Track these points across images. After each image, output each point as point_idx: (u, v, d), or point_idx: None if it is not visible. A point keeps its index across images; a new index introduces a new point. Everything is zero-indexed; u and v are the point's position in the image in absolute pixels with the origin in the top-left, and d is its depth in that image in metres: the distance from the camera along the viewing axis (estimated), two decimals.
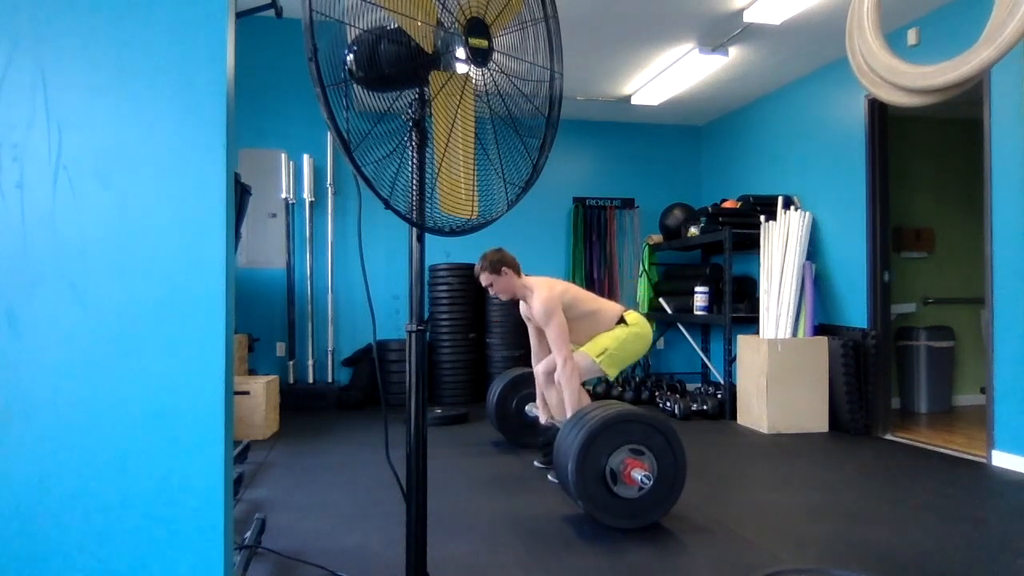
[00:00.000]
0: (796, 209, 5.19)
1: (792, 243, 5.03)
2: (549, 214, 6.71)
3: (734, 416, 5.17)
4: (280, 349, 5.81)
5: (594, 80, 5.82)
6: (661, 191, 6.94)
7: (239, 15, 1.57)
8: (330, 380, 5.86)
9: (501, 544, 2.57)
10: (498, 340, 5.86)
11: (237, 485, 3.06)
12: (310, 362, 5.79)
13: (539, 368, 3.76)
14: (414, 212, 1.62)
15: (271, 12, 2.30)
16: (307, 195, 5.76)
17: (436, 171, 1.63)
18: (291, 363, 5.75)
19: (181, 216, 1.27)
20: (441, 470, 3.55)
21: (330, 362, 5.87)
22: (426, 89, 1.60)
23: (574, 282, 5.75)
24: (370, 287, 1.85)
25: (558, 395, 3.59)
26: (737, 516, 2.92)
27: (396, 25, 1.54)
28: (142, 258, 1.26)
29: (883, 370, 4.73)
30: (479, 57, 1.61)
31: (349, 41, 1.52)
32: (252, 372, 5.44)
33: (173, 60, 1.27)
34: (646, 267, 6.65)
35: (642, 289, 6.69)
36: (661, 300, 6.40)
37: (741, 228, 5.43)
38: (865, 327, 4.79)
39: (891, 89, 2.52)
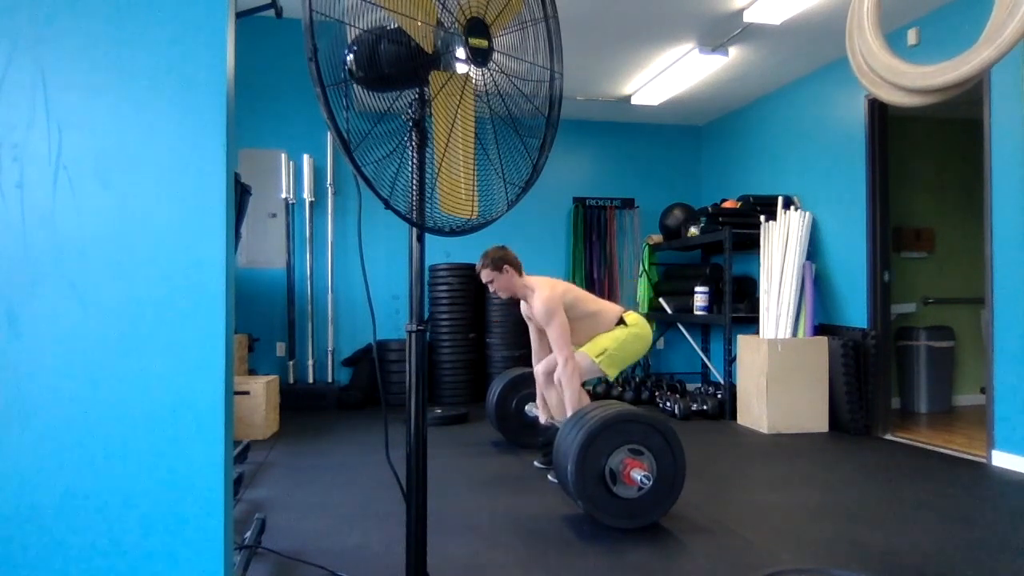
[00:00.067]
0: (796, 209, 5.19)
1: (792, 243, 5.03)
2: (549, 214, 6.71)
3: (734, 416, 5.17)
4: (280, 349, 5.81)
5: (594, 80, 5.82)
6: (661, 191, 6.95)
7: (239, 15, 1.58)
8: (330, 380, 5.86)
9: (501, 544, 2.57)
10: (498, 340, 5.86)
11: (237, 485, 3.06)
12: (310, 362, 5.79)
13: (539, 368, 3.76)
14: (414, 212, 1.62)
15: (271, 12, 2.30)
16: (307, 195, 5.76)
17: (436, 171, 1.63)
18: (291, 363, 5.75)
19: (181, 216, 1.27)
20: (441, 470, 3.55)
21: (330, 362, 5.87)
22: (426, 89, 1.60)
23: (574, 282, 5.75)
24: (370, 287, 1.85)
25: (558, 395, 3.59)
26: (737, 516, 2.92)
27: (396, 25, 1.54)
28: (142, 258, 1.26)
29: (883, 370, 4.73)
30: (479, 57, 1.61)
31: (349, 41, 1.52)
32: (252, 372, 5.44)
33: (173, 60, 1.27)
34: (646, 267, 6.65)
35: (642, 289, 6.69)
36: (661, 300, 6.40)
37: (741, 228, 5.43)
38: (865, 327, 4.79)
39: (891, 89, 2.52)
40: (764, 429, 4.72)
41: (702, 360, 6.66)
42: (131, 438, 1.25)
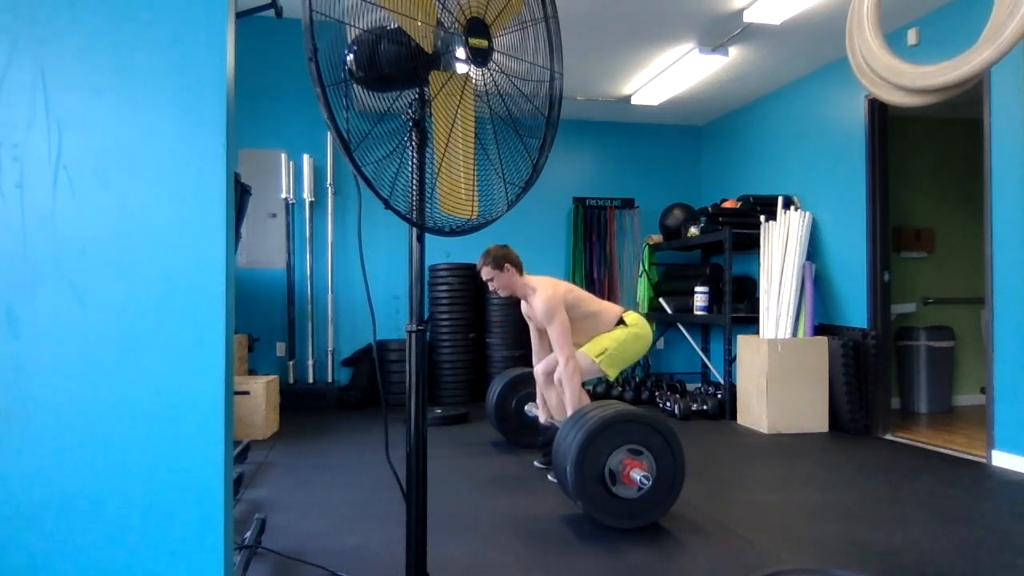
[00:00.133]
0: (796, 209, 5.19)
1: (792, 243, 5.03)
2: (549, 214, 6.71)
3: (734, 416, 5.17)
4: (280, 349, 5.81)
5: (594, 80, 5.82)
6: (661, 191, 6.94)
7: (239, 15, 1.58)
8: (330, 380, 5.86)
9: (501, 544, 2.57)
10: (498, 340, 5.86)
11: (237, 485, 3.06)
12: (310, 362, 5.79)
13: (539, 368, 3.76)
14: (414, 212, 1.62)
15: (271, 12, 2.30)
16: (307, 195, 5.76)
17: (436, 171, 1.63)
18: (291, 363, 5.75)
19: (181, 216, 1.27)
20: (441, 470, 3.54)
21: (330, 362, 5.87)
22: (426, 89, 1.60)
23: (574, 282, 5.75)
24: (370, 287, 1.85)
25: (558, 395, 3.59)
26: (737, 516, 2.92)
27: (396, 25, 1.54)
28: (142, 258, 1.26)
29: (883, 370, 4.73)
30: (479, 57, 1.61)
31: (349, 41, 1.52)
32: (252, 372, 5.44)
33: (173, 60, 1.27)
34: (646, 267, 6.65)
35: (642, 289, 6.69)
36: (661, 300, 6.40)
37: (741, 228, 5.43)
38: (865, 327, 4.79)
39: (891, 89, 2.52)
40: (764, 429, 4.72)
41: (702, 360, 6.66)
42: (131, 438, 1.25)
